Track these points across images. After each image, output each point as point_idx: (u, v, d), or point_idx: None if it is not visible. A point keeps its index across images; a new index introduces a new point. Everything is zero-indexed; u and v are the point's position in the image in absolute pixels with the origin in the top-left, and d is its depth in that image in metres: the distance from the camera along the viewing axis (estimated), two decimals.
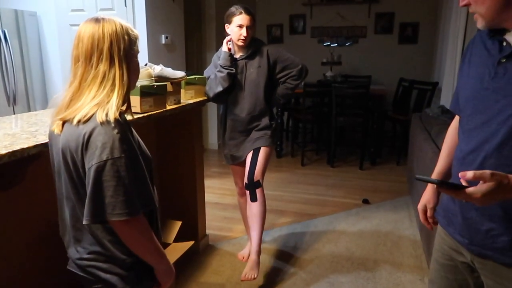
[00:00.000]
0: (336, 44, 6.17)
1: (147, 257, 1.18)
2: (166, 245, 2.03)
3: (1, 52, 3.67)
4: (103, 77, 1.10)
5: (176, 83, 2.17)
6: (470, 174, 0.88)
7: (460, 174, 0.90)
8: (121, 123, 1.09)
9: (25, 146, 1.26)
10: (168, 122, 2.51)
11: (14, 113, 3.76)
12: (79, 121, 1.07)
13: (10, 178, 1.44)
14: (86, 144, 1.05)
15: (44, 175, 1.32)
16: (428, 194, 1.33)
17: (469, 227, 1.11)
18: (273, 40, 6.62)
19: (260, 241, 2.43)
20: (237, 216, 3.13)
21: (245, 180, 2.45)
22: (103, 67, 1.10)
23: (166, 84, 2.05)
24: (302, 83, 4.53)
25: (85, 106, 1.09)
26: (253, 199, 2.46)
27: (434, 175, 1.32)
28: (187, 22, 4.71)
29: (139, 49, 1.24)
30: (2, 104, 3.73)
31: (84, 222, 1.07)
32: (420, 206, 1.35)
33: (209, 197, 3.74)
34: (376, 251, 2.82)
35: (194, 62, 5.12)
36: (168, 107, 2.08)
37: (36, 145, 1.29)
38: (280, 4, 6.45)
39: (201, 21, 5.18)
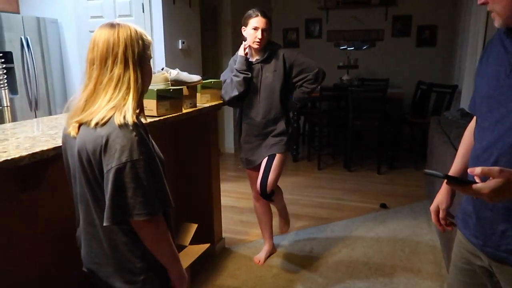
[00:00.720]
0: (352, 48, 6.13)
1: (163, 258, 1.19)
2: (182, 247, 2.04)
3: (24, 59, 3.78)
4: (118, 80, 1.12)
5: (192, 87, 2.20)
6: (478, 170, 0.89)
7: (469, 170, 0.92)
8: (138, 126, 1.11)
9: (45, 148, 1.29)
10: (185, 125, 2.53)
11: (35, 117, 3.86)
12: (96, 124, 1.09)
13: (31, 180, 1.48)
14: (105, 146, 1.07)
15: (63, 177, 1.35)
16: (441, 195, 1.31)
17: (483, 228, 1.09)
18: (289, 44, 6.62)
19: (288, 217, 2.88)
20: (253, 219, 3.12)
21: (257, 188, 2.46)
22: (118, 70, 1.12)
23: (182, 88, 2.07)
24: (319, 87, 4.53)
25: (102, 109, 1.11)
26: (270, 200, 2.58)
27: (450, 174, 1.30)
28: (204, 27, 4.76)
29: (153, 55, 1.26)
30: (25, 108, 3.84)
31: (104, 224, 1.09)
32: (432, 207, 1.32)
33: (225, 200, 3.74)
34: (394, 256, 2.77)
35: (211, 67, 5.16)
36: (184, 111, 2.10)
37: (55, 147, 1.32)
38: (295, 8, 6.45)
39: (217, 26, 5.22)
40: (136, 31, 1.17)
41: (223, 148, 5.50)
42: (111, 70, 1.12)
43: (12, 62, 3.70)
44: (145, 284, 1.20)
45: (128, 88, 1.14)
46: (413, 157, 4.86)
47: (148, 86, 1.26)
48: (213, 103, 2.46)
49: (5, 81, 1.91)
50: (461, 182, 0.97)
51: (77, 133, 1.14)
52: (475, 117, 1.24)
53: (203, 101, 2.41)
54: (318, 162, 4.81)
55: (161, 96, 1.89)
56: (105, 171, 1.08)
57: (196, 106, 2.27)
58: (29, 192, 1.46)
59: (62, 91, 4.24)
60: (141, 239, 1.14)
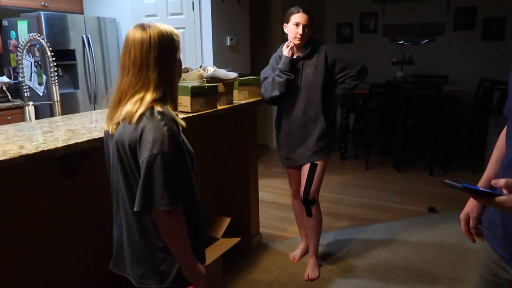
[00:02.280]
0: (410, 43, 5.84)
1: (175, 251, 1.24)
2: (213, 239, 2.10)
3: (85, 56, 4.07)
4: (151, 82, 1.20)
5: (228, 84, 2.24)
6: (502, 182, 0.84)
7: (492, 182, 0.85)
8: (170, 121, 1.18)
9: (79, 141, 1.39)
10: (223, 121, 2.59)
11: (94, 110, 4.15)
12: (132, 120, 1.17)
13: (68, 169, 1.61)
14: (139, 139, 1.16)
15: (98, 168, 1.46)
16: (472, 202, 1.23)
17: (511, 240, 1.01)
18: (342, 39, 6.47)
19: (317, 246, 2.60)
20: (293, 216, 3.12)
21: (301, 195, 2.47)
22: (152, 74, 1.19)
23: (217, 85, 2.12)
24: (367, 85, 4.39)
25: (136, 106, 1.19)
26: (309, 214, 2.49)
27: (482, 182, 1.22)
28: (253, 23, 4.80)
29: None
30: (85, 102, 4.14)
31: (135, 209, 1.17)
32: (462, 215, 1.24)
33: (267, 196, 3.79)
34: (437, 263, 2.63)
35: (260, 63, 5.19)
36: (219, 107, 2.15)
37: (89, 140, 1.42)
38: (350, 2, 6.28)
39: (267, 22, 5.24)
40: (167, 32, 1.23)
41: (271, 144, 5.53)
42: (146, 74, 1.20)
43: (75, 59, 4.00)
44: (165, 274, 1.27)
45: (161, 87, 1.21)
46: (472, 159, 4.55)
47: (180, 76, 1.32)
48: (251, 100, 2.48)
49: (56, 78, 2.08)
50: (483, 193, 0.90)
51: (115, 129, 1.23)
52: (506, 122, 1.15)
53: (241, 97, 2.44)
54: (366, 161, 4.67)
55: (196, 93, 1.96)
56: (140, 162, 1.16)
57: (232, 103, 2.31)
58: (66, 181, 1.59)
59: None
60: (159, 227, 1.21)
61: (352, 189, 4.03)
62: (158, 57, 1.20)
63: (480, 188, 0.94)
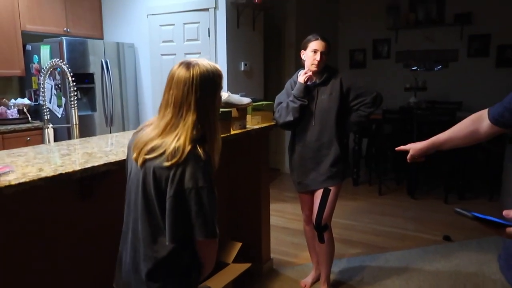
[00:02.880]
0: (424, 69, 5.86)
1: (207, 266, 1.36)
2: (224, 264, 2.09)
3: (103, 79, 4.19)
4: (190, 123, 1.23)
5: (242, 109, 2.27)
6: None
7: (504, 213, 0.85)
8: (206, 157, 1.23)
9: (96, 164, 1.43)
10: (236, 146, 2.62)
11: (110, 133, 4.23)
12: (166, 154, 1.20)
13: (85, 191, 1.64)
14: (173, 174, 1.19)
15: (115, 190, 1.48)
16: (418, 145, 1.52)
17: None
18: (355, 65, 6.53)
19: (329, 273, 2.55)
20: (304, 242, 3.08)
21: (313, 221, 2.46)
22: (192, 116, 1.23)
23: (231, 111, 2.16)
24: (380, 110, 4.40)
25: (173, 145, 1.21)
26: (321, 240, 2.47)
27: (426, 142, 1.45)
28: (267, 49, 4.89)
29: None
30: (101, 124, 4.23)
31: (199, 238, 1.24)
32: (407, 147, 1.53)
33: (278, 221, 3.77)
34: None
35: (274, 87, 5.26)
36: (232, 132, 2.18)
37: (106, 163, 1.46)
38: (363, 29, 6.36)
39: (280, 48, 5.34)
40: (208, 72, 1.26)
41: (283, 168, 5.53)
42: (185, 115, 1.23)
43: (93, 83, 4.12)
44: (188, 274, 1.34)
45: (200, 127, 1.25)
46: (488, 187, 4.47)
47: (219, 110, 1.36)
48: (264, 125, 2.51)
49: (76, 101, 2.14)
50: (495, 223, 0.90)
51: (144, 162, 1.25)
52: (486, 113, 1.27)
53: (254, 122, 2.47)
54: (379, 187, 4.62)
55: None
56: (169, 195, 1.21)
57: (245, 128, 2.34)
58: (82, 202, 1.62)
59: (135, 109, 4.61)
60: (198, 253, 1.31)
61: (365, 215, 3.98)
62: (199, 99, 1.23)
63: (492, 218, 0.93)
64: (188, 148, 1.20)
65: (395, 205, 4.25)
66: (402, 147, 1.56)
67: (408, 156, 1.51)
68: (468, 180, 4.59)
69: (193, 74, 1.23)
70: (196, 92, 1.22)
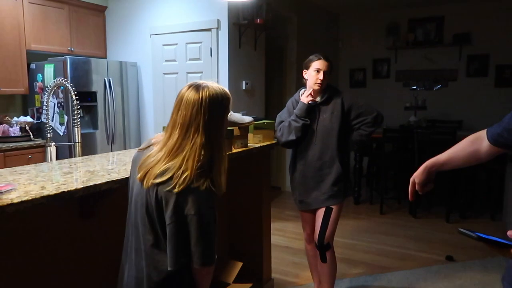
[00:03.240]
0: (423, 88, 5.91)
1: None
2: (225, 284, 2.07)
3: (106, 98, 4.22)
4: (198, 146, 1.23)
5: (243, 127, 2.29)
6: None
7: (508, 233, 0.85)
8: (210, 184, 1.23)
9: (98, 182, 1.43)
10: (237, 164, 2.62)
11: (111, 151, 4.24)
12: (171, 180, 1.20)
13: (87, 209, 1.64)
14: (177, 199, 1.20)
15: (117, 208, 1.48)
16: (419, 171, 1.39)
17: None
18: (355, 84, 6.59)
19: None
20: (305, 262, 3.05)
21: (315, 240, 2.45)
22: (199, 138, 1.23)
23: (232, 129, 2.17)
24: (381, 129, 4.42)
25: (180, 170, 1.21)
26: (324, 260, 2.45)
27: (427, 162, 1.38)
28: (268, 67, 4.95)
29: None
30: (103, 142, 4.25)
31: (196, 266, 1.25)
32: (411, 179, 1.40)
33: (279, 240, 3.74)
34: None
35: (275, 106, 5.30)
36: (234, 150, 2.19)
37: (108, 181, 1.46)
38: (363, 48, 6.45)
39: (282, 67, 5.40)
40: (217, 95, 1.26)
41: (284, 186, 5.52)
42: (193, 137, 1.23)
43: (96, 101, 4.15)
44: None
45: (208, 150, 1.25)
46: (490, 206, 4.45)
47: (224, 137, 1.35)
48: (265, 143, 2.52)
49: (79, 120, 2.16)
50: (499, 244, 0.89)
51: (150, 184, 1.24)
52: (485, 134, 1.26)
53: (255, 141, 2.48)
54: (380, 205, 4.60)
55: None
56: (170, 220, 1.21)
57: (247, 146, 2.34)
58: (83, 220, 1.61)
59: (136, 127, 4.63)
60: (200, 279, 1.31)
61: (367, 234, 3.95)
62: (208, 121, 1.23)
63: (496, 239, 0.93)
64: (194, 174, 1.20)
65: (396, 224, 4.22)
66: (410, 188, 1.42)
67: (417, 188, 1.41)
68: (470, 199, 4.57)
69: (202, 96, 1.23)
70: (204, 114, 1.22)
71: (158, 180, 1.22)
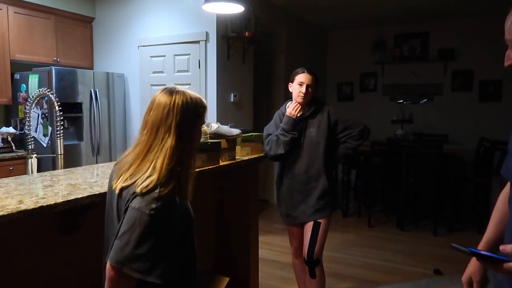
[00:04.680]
0: (409, 102, 5.99)
1: None
2: None
3: (91, 109, 4.16)
4: (168, 148, 1.17)
5: (231, 140, 2.26)
6: (510, 248, 0.84)
7: (501, 247, 0.84)
8: (171, 191, 1.15)
9: (79, 196, 1.38)
10: (225, 177, 2.58)
11: (96, 162, 4.16)
12: (138, 188, 1.14)
13: (70, 223, 1.58)
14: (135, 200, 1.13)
15: (100, 223, 1.43)
16: (473, 265, 1.19)
17: None
18: (343, 97, 6.65)
19: None
20: (294, 276, 3.01)
21: (304, 256, 2.42)
22: (169, 139, 1.18)
23: (220, 142, 2.14)
24: (369, 142, 4.44)
25: (146, 175, 1.16)
26: (313, 275, 2.42)
27: (482, 244, 1.19)
28: (257, 80, 4.95)
29: (206, 116, 1.34)
30: (88, 154, 4.17)
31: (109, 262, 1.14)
32: (464, 278, 1.20)
33: (267, 253, 3.69)
34: None
35: (263, 118, 5.30)
36: (221, 163, 2.15)
37: (90, 195, 1.41)
38: (350, 63, 6.52)
39: (270, 80, 5.42)
40: (192, 99, 1.22)
41: (271, 199, 5.48)
42: (163, 137, 1.18)
43: (81, 112, 4.09)
44: None
45: (177, 154, 1.18)
46: (476, 219, 4.48)
47: (197, 146, 1.30)
48: (253, 156, 2.49)
49: (62, 131, 2.11)
50: (492, 259, 0.89)
51: (120, 189, 1.20)
52: (509, 183, 1.14)
53: (243, 154, 2.45)
54: (368, 219, 4.59)
55: (199, 148, 1.97)
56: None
57: (235, 159, 2.31)
58: (66, 236, 1.55)
59: (123, 138, 4.56)
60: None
61: (355, 248, 3.93)
62: (180, 123, 1.18)
63: (489, 254, 0.92)
64: (162, 177, 1.14)
65: (384, 238, 4.21)
66: None
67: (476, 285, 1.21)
68: (456, 212, 4.59)
69: (175, 99, 1.19)
70: (176, 115, 1.18)
71: (127, 184, 1.18)
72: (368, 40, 6.36)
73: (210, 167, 2.03)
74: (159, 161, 1.17)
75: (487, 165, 4.63)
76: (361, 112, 6.01)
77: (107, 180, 1.62)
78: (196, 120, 1.25)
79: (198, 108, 1.24)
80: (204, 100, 1.29)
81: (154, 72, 4.32)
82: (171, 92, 1.22)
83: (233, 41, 4.17)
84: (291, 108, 2.41)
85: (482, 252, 0.94)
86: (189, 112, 1.21)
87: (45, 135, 3.89)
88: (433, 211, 4.41)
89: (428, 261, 3.58)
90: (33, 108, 3.85)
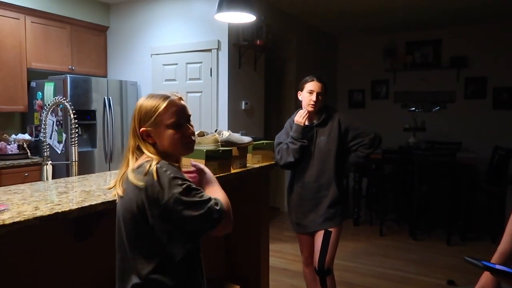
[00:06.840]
0: (422, 109, 5.94)
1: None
2: None
3: (105, 116, 4.22)
4: (130, 148, 1.29)
5: (242, 148, 2.27)
6: None
7: None
8: (166, 165, 1.24)
9: (93, 203, 1.41)
10: (236, 185, 2.59)
11: (109, 169, 4.21)
12: (123, 182, 1.24)
13: (84, 230, 1.60)
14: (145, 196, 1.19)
15: (112, 229, 1.45)
16: (486, 276, 1.17)
17: None
18: (354, 104, 6.62)
19: None
20: (304, 285, 2.99)
21: (315, 265, 2.40)
22: (131, 140, 1.29)
23: (231, 149, 2.15)
24: (380, 150, 4.41)
25: (123, 170, 1.28)
26: (324, 285, 2.40)
27: (497, 255, 1.18)
28: (268, 88, 4.97)
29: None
30: (101, 161, 4.22)
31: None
32: None
33: (278, 262, 3.67)
34: None
35: (274, 125, 5.31)
36: (232, 171, 2.16)
37: (103, 202, 1.43)
38: (362, 70, 6.51)
39: (281, 87, 5.43)
40: (149, 103, 1.26)
41: (282, 207, 5.47)
42: (131, 139, 1.30)
43: (95, 119, 4.15)
44: None
45: (136, 154, 1.28)
46: (490, 228, 4.40)
47: (175, 149, 1.31)
48: (264, 164, 2.50)
49: (77, 139, 2.15)
50: (505, 273, 0.87)
51: (121, 193, 1.26)
52: None
53: (254, 161, 2.46)
54: (380, 227, 4.55)
55: (210, 156, 1.99)
56: (152, 216, 1.18)
57: (246, 167, 2.32)
58: (80, 243, 1.58)
59: None
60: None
61: (366, 257, 3.89)
62: (135, 127, 1.28)
63: (503, 268, 0.91)
64: (150, 164, 1.21)
65: (396, 247, 4.16)
66: None
67: None
68: (470, 221, 4.52)
69: (139, 103, 1.29)
70: (135, 119, 1.28)
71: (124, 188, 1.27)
72: (379, 47, 6.35)
73: (221, 174, 2.04)
74: (131, 160, 1.28)
75: (501, 174, 4.56)
76: (372, 120, 5.99)
77: None
78: (156, 118, 1.26)
79: (152, 111, 1.26)
80: (169, 101, 1.27)
81: (166, 80, 4.38)
82: (145, 97, 1.33)
83: (244, 49, 4.21)
84: (299, 116, 2.42)
85: (497, 267, 0.93)
86: (142, 116, 1.28)
87: (59, 142, 3.96)
88: (446, 220, 4.35)
89: (441, 271, 3.53)
90: (49, 116, 3.92)
